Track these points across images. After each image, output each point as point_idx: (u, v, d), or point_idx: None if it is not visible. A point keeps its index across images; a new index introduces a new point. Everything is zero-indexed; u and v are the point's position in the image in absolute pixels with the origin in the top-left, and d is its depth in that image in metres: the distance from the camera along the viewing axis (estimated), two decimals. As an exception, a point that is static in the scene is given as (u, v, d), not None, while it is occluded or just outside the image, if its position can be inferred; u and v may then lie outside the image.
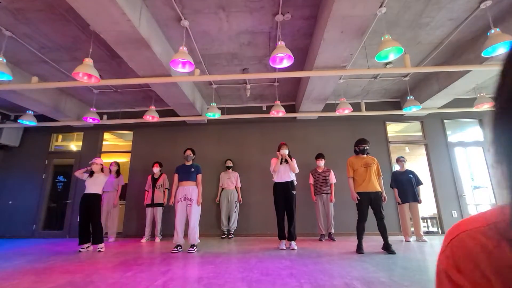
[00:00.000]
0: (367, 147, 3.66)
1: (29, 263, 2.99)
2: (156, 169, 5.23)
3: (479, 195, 6.43)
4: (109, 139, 7.03)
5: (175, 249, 3.59)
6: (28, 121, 5.07)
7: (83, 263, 2.91)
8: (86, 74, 3.28)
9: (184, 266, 2.68)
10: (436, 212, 5.58)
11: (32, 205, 5.91)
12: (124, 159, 6.57)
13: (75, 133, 6.46)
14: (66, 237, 5.70)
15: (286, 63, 3.22)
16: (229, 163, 5.54)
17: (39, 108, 5.21)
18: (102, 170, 4.09)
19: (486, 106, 4.77)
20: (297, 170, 3.88)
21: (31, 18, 3.33)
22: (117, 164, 5.32)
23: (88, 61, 3.21)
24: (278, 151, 3.91)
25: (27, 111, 5.21)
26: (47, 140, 6.33)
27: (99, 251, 3.73)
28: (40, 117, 5.94)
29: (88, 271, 2.52)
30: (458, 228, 0.34)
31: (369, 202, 3.50)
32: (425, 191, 5.63)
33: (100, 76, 3.79)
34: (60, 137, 6.62)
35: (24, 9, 3.17)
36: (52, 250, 3.92)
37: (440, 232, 5.38)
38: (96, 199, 3.97)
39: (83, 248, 3.79)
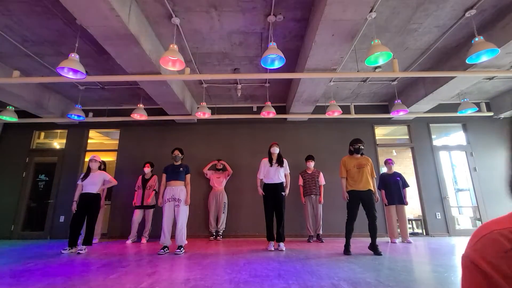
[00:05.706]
0: (362, 147, 3.58)
1: (6, 265, 2.85)
2: (147, 170, 5.13)
3: (462, 198, 6.65)
4: (95, 137, 6.84)
5: (162, 250, 3.52)
6: (8, 117, 4.86)
7: (64, 265, 2.80)
8: (71, 69, 3.17)
9: (170, 268, 2.63)
10: (421, 213, 5.72)
11: (11, 204, 5.66)
12: (110, 158, 6.40)
13: (58, 131, 6.24)
14: (47, 238, 5.49)
15: (277, 64, 3.22)
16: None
17: (20, 104, 5.00)
18: (100, 168, 4.11)
19: (469, 112, 4.93)
20: (287, 171, 3.95)
21: (13, 10, 3.20)
22: (103, 163, 5.17)
23: (74, 56, 3.11)
24: (269, 150, 3.95)
25: (8, 107, 4.99)
26: (29, 137, 6.08)
27: (79, 253, 3.60)
28: (21, 113, 5.71)
29: (70, 274, 2.42)
30: (489, 226, 0.38)
31: (359, 201, 3.45)
32: (411, 193, 5.77)
33: (86, 72, 3.68)
34: (42, 134, 6.38)
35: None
36: (31, 252, 3.76)
37: (425, 234, 5.51)
38: (95, 199, 3.88)
39: (65, 250, 3.65)
